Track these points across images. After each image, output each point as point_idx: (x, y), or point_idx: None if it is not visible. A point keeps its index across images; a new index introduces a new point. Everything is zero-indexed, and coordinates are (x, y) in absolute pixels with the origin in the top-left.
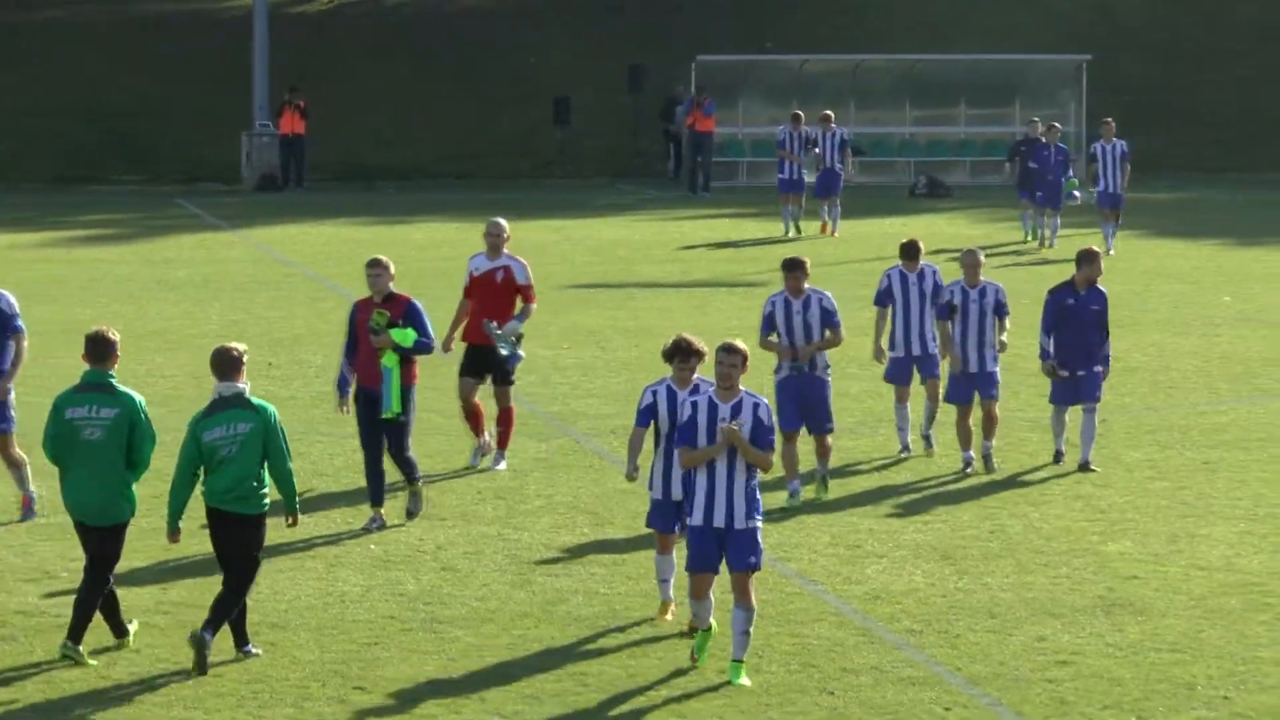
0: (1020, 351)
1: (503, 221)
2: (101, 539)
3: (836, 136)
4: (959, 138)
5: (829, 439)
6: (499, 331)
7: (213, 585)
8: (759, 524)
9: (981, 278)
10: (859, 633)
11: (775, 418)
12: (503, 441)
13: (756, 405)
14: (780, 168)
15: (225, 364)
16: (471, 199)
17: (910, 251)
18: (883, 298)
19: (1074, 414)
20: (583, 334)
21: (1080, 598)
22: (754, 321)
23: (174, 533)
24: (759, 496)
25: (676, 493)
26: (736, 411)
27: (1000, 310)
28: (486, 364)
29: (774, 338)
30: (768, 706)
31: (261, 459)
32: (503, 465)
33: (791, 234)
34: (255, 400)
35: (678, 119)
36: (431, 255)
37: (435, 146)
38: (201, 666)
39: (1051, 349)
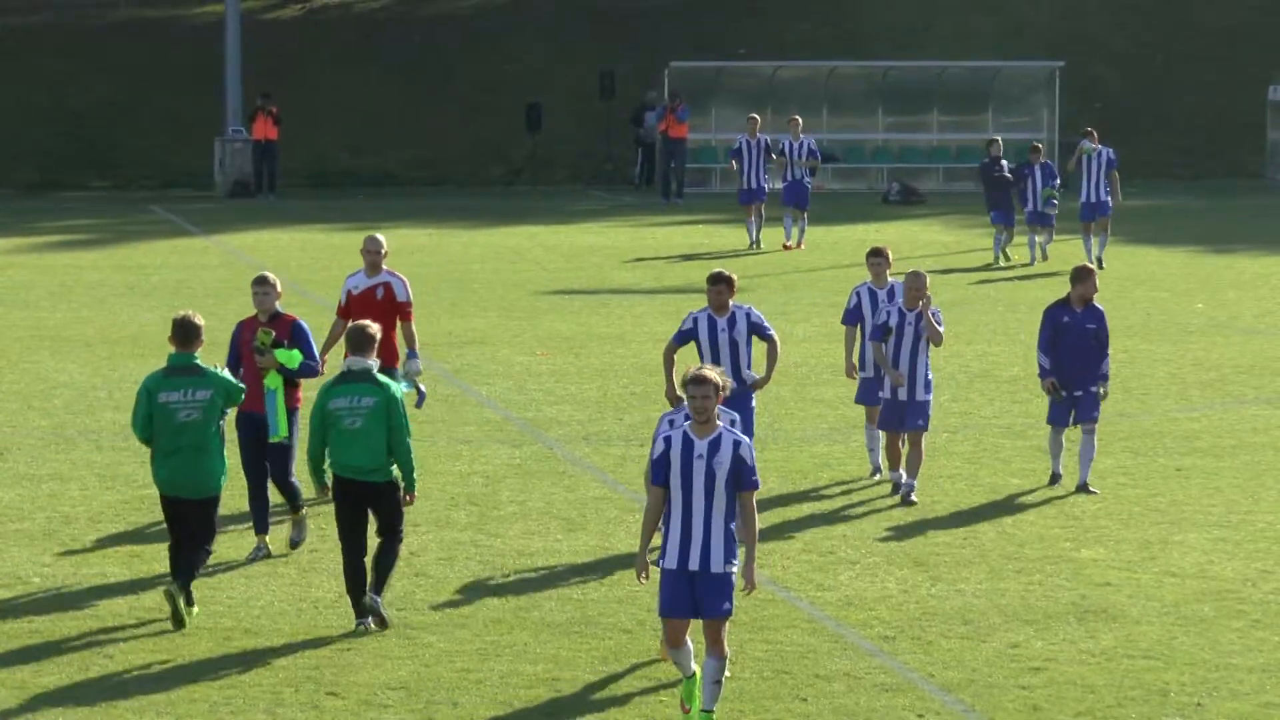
0: (996, 359)
1: (380, 237)
2: (196, 511)
3: (804, 145)
4: (932, 144)
5: None
6: (402, 374)
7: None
8: (735, 569)
9: (921, 301)
10: (832, 639)
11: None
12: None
13: (737, 444)
14: (741, 177)
15: (362, 340)
16: (444, 205)
17: (878, 254)
18: (851, 316)
19: (1071, 434)
20: (556, 340)
21: (1053, 604)
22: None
23: (322, 488)
24: (736, 540)
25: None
26: (714, 449)
27: (935, 336)
28: None
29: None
30: (741, 713)
31: (385, 432)
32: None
33: (759, 246)
34: (381, 377)
35: (648, 125)
36: (405, 261)
37: (408, 152)
38: (382, 623)
39: (1049, 367)
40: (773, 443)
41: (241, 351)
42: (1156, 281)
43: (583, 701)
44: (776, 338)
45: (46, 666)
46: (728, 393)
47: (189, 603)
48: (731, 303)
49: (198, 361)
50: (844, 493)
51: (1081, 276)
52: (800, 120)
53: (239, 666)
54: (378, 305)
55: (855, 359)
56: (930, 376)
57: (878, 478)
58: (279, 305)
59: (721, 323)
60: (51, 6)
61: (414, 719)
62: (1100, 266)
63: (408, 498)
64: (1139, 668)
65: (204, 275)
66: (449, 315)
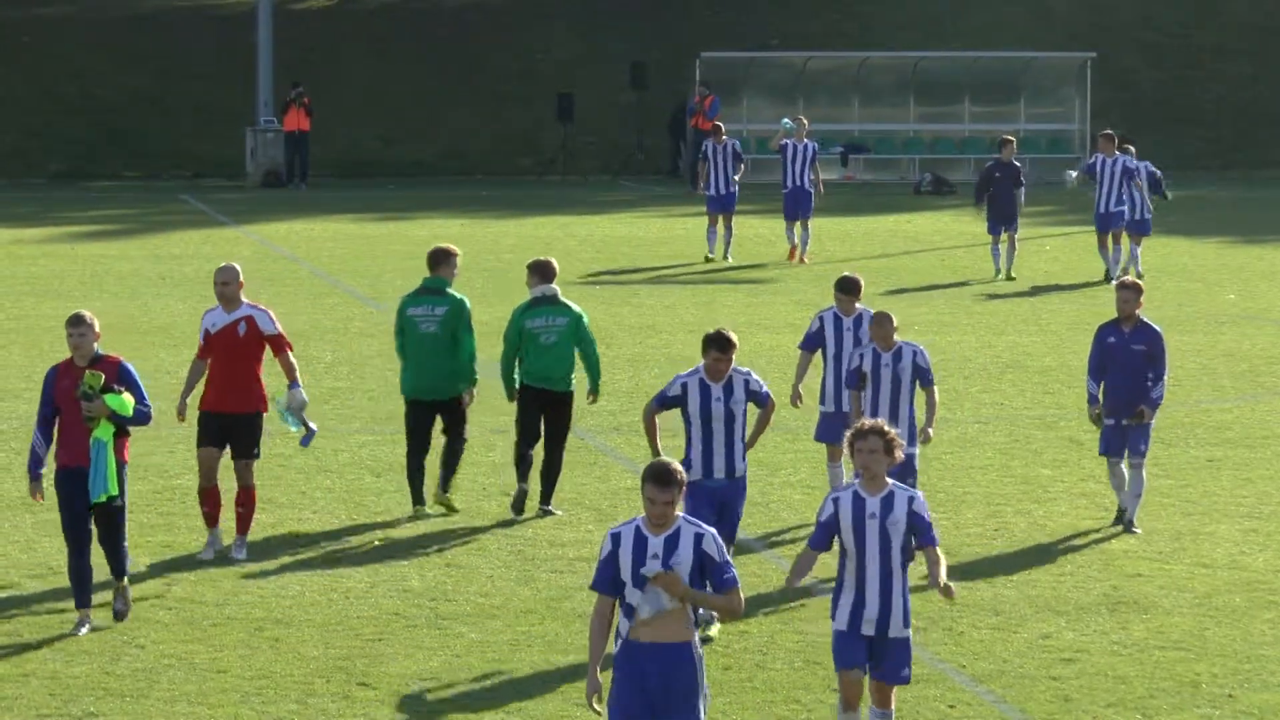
0: (1027, 349)
1: (235, 266)
2: (442, 411)
3: (808, 149)
4: (963, 135)
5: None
6: (287, 409)
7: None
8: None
9: (897, 339)
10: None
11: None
12: (242, 525)
13: (700, 536)
14: (707, 183)
15: (547, 270)
16: (474, 195)
17: (848, 287)
18: (810, 341)
19: None
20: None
21: (1085, 595)
22: (759, 318)
23: (511, 396)
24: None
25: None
26: (672, 546)
27: (923, 377)
28: (229, 434)
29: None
30: (772, 704)
31: (574, 346)
32: (243, 554)
33: (723, 258)
34: (567, 300)
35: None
36: None
37: (439, 143)
38: (519, 509)
39: (1095, 393)
40: (804, 435)
41: (59, 401)
42: (1188, 273)
43: None
44: (773, 402)
45: (78, 657)
46: (898, 458)
47: (445, 490)
48: (733, 368)
49: (445, 284)
50: None
51: (1117, 290)
52: (806, 121)
53: (270, 657)
54: (240, 343)
55: (801, 386)
56: (916, 426)
57: None
58: (98, 346)
59: (717, 389)
60: None
61: (445, 709)
62: (1108, 280)
63: (591, 398)
64: (1170, 659)
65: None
66: (481, 305)
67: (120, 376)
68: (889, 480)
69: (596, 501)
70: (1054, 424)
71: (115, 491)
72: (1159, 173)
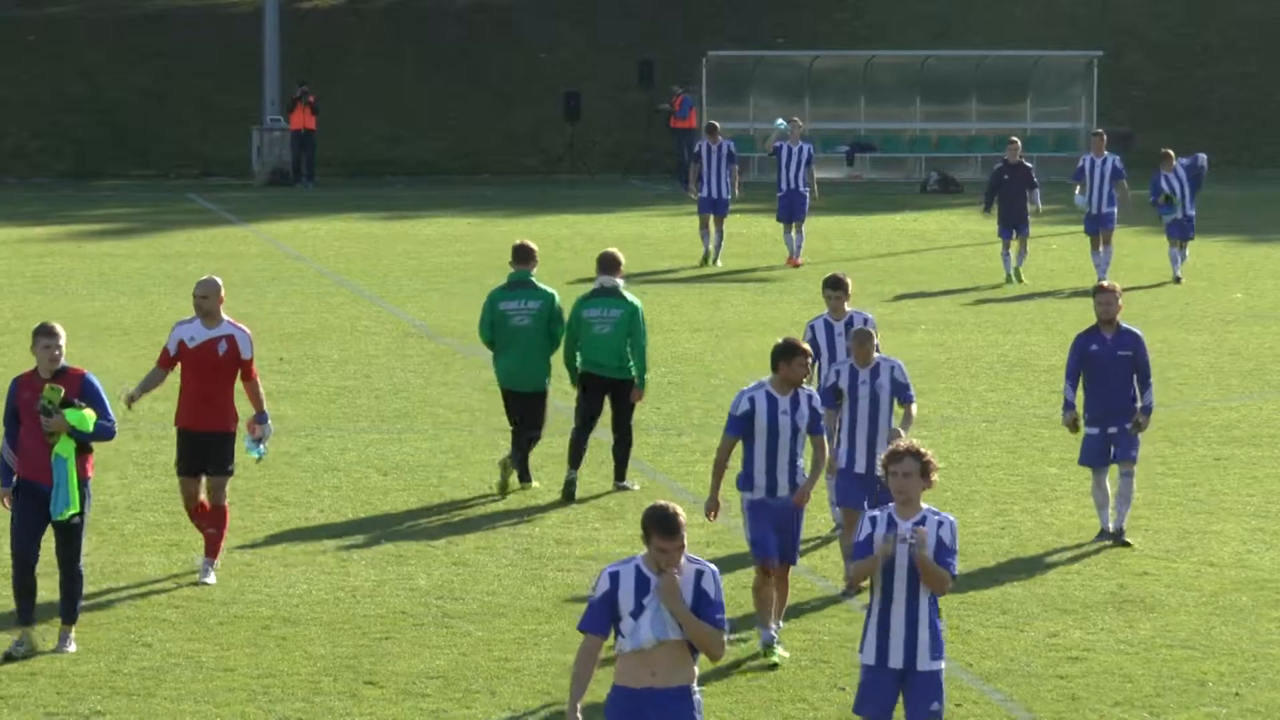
0: (1034, 348)
1: (216, 280)
2: (529, 402)
3: (804, 151)
4: (970, 134)
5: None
6: (258, 440)
7: (224, 579)
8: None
9: (876, 354)
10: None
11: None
12: (212, 548)
13: (700, 573)
14: (701, 184)
15: (607, 263)
16: (481, 194)
17: (836, 284)
18: None
19: None
20: None
21: (1092, 594)
22: (766, 316)
23: (575, 384)
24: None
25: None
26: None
27: (901, 394)
28: (205, 452)
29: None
30: (779, 702)
31: (627, 337)
32: (211, 579)
33: (712, 262)
34: (627, 293)
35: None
36: (442, 250)
37: (445, 142)
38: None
39: (1070, 400)
40: None
41: (21, 413)
42: (1195, 271)
43: None
44: (825, 442)
45: (85, 655)
46: (934, 481)
47: (524, 479)
48: (805, 384)
49: (533, 278)
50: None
51: (1094, 295)
52: (800, 123)
53: (277, 655)
54: (218, 362)
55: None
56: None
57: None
58: (64, 360)
59: (784, 402)
60: None
61: (452, 708)
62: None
63: (637, 393)
64: (1177, 657)
65: (242, 264)
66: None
67: (83, 390)
68: (923, 505)
69: (603, 500)
70: (1060, 422)
71: (77, 509)
72: (1203, 165)
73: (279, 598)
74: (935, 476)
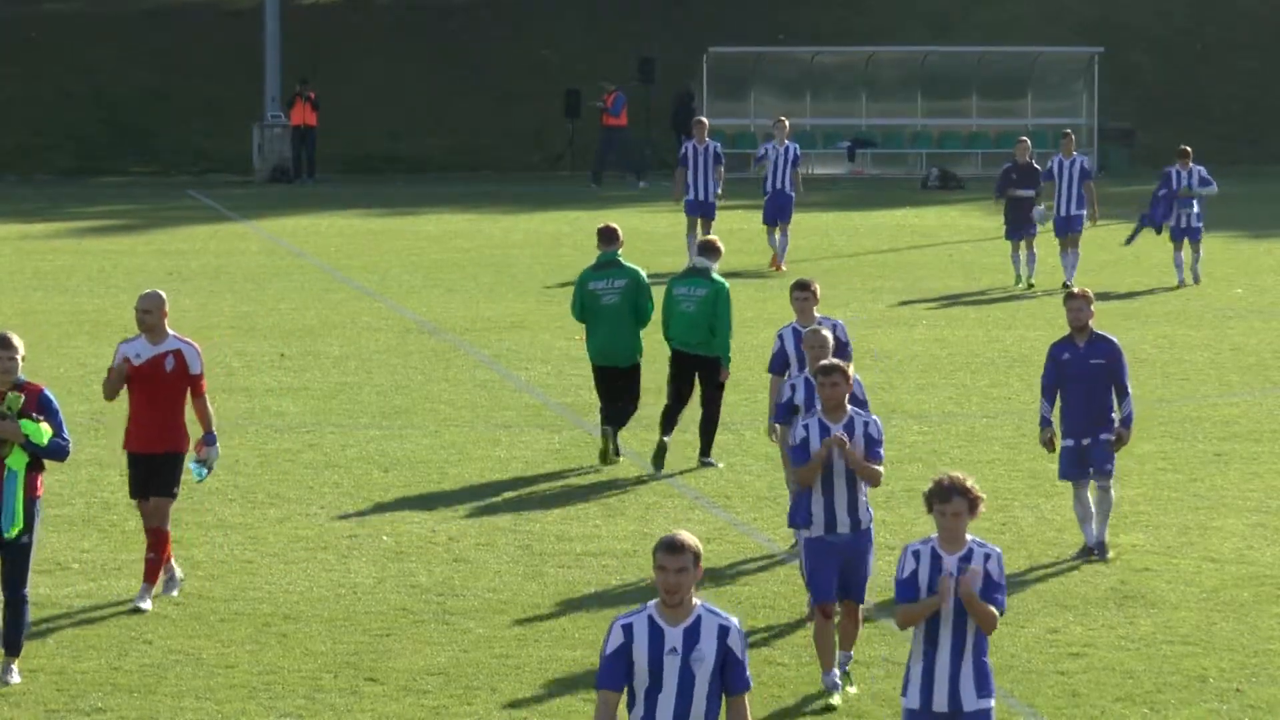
0: (1035, 344)
1: (160, 294)
2: (622, 377)
3: (789, 152)
4: (971, 130)
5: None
6: (198, 464)
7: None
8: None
9: (850, 409)
10: (871, 625)
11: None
12: (151, 573)
13: (725, 629)
14: (686, 187)
15: (703, 247)
16: (482, 191)
17: (803, 287)
18: (777, 362)
19: None
20: None
21: (1092, 590)
22: (768, 313)
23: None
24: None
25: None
26: (693, 639)
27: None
28: (151, 474)
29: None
30: (779, 699)
31: (711, 316)
32: (147, 604)
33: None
34: (716, 276)
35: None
36: (443, 247)
37: (446, 139)
38: (661, 456)
39: (1048, 415)
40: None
41: None
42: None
43: None
44: (879, 468)
45: (85, 653)
46: (980, 513)
47: (616, 452)
48: (851, 409)
49: (619, 257)
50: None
51: (1065, 302)
52: (787, 122)
53: (278, 652)
54: (166, 379)
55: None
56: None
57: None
58: (22, 374)
59: (837, 427)
60: None
61: (453, 704)
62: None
63: (724, 371)
64: (1178, 653)
65: (243, 260)
66: (488, 300)
67: (41, 406)
68: (969, 537)
69: (604, 497)
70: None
71: (21, 525)
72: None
73: (280, 594)
74: (982, 508)
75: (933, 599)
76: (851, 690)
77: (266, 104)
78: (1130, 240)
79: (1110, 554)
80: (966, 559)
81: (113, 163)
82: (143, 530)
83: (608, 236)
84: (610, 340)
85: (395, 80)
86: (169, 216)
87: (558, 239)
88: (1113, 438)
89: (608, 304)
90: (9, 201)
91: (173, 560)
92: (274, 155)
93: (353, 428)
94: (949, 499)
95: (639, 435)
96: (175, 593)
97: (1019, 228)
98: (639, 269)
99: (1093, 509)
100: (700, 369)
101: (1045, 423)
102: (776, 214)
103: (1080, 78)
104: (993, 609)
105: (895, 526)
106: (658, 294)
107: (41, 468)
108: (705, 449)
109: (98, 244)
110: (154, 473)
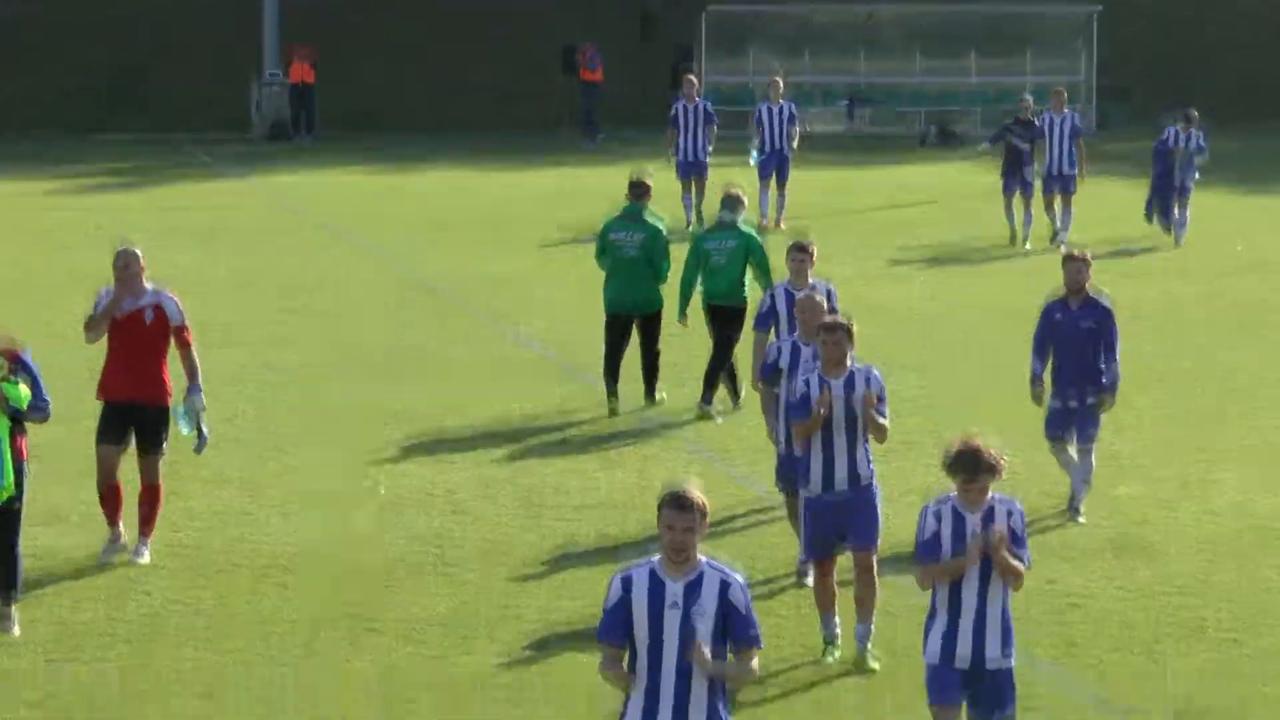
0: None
1: (135, 249)
2: (639, 324)
3: (784, 111)
4: (970, 87)
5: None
6: (184, 412)
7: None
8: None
9: (851, 362)
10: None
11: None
12: (146, 527)
13: (726, 584)
14: (676, 147)
15: (727, 200)
16: (481, 147)
17: (800, 249)
18: (763, 320)
19: None
20: (597, 280)
21: (1091, 541)
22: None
23: (682, 318)
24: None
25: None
26: (694, 593)
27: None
28: (136, 426)
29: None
30: (778, 648)
31: (744, 266)
32: (145, 558)
33: (694, 226)
34: (743, 227)
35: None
36: (445, 203)
37: (445, 95)
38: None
39: (1039, 372)
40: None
41: None
42: (1194, 223)
43: None
44: (886, 424)
45: (84, 603)
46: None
47: (649, 395)
48: (850, 359)
49: (643, 211)
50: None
51: (1063, 264)
52: (781, 82)
53: (277, 602)
54: (146, 331)
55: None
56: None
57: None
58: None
59: (837, 384)
60: None
61: (452, 653)
62: (1056, 245)
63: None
64: (1176, 603)
65: (241, 216)
66: (489, 255)
67: (19, 369)
68: (990, 493)
69: (603, 449)
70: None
71: (12, 489)
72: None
73: (278, 545)
74: (1003, 472)
75: (959, 560)
76: (875, 666)
77: (265, 61)
78: (1151, 219)
79: (1082, 518)
80: (989, 517)
81: (112, 119)
82: (136, 479)
83: (637, 189)
84: (624, 290)
85: (393, 36)
86: (167, 173)
87: (558, 196)
88: (1099, 402)
89: (626, 256)
90: (7, 159)
91: (121, 525)
92: (272, 112)
93: (351, 380)
94: (975, 477)
95: (637, 390)
96: (115, 559)
97: (1015, 183)
98: (661, 225)
99: (1077, 470)
100: (727, 319)
101: (1036, 379)
102: (772, 171)
103: (1079, 35)
104: (1020, 565)
105: (892, 479)
106: (679, 252)
107: (24, 430)
108: (707, 396)
109: (96, 200)
110: (140, 424)
